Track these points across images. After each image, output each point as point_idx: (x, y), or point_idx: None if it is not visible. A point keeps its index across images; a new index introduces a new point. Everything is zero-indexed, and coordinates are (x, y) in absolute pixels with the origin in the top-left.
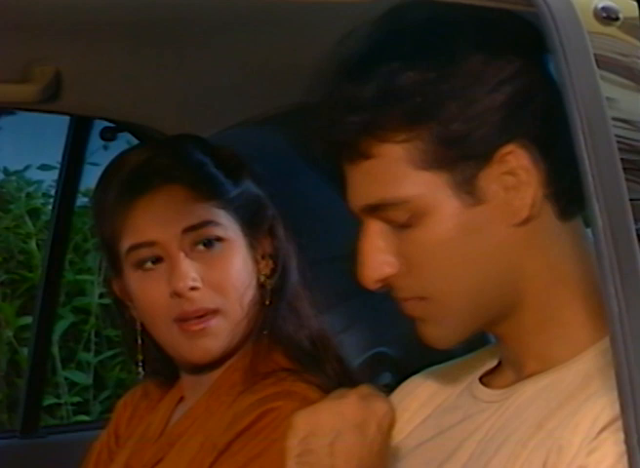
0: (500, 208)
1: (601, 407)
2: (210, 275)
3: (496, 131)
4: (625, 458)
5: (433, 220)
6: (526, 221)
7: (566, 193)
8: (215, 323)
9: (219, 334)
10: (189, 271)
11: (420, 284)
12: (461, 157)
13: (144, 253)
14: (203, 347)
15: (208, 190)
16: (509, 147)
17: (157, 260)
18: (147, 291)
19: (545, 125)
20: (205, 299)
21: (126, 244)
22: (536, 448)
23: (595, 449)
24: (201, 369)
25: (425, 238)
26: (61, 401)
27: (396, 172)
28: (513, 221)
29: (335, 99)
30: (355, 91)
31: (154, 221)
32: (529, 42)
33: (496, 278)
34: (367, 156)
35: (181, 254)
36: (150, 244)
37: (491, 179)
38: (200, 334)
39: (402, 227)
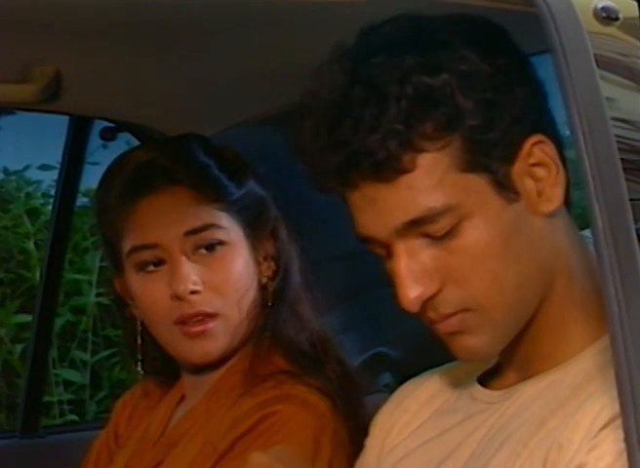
0: (534, 199)
1: (601, 405)
2: (211, 278)
3: (519, 123)
4: (625, 456)
5: (478, 223)
6: (555, 212)
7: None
8: (214, 325)
9: (218, 337)
10: (190, 274)
11: (467, 294)
12: (495, 153)
13: (146, 255)
14: (202, 349)
15: (211, 193)
16: (535, 138)
17: (159, 263)
18: (149, 292)
19: (548, 117)
20: (205, 303)
21: (128, 245)
22: (536, 448)
23: (595, 447)
24: (201, 369)
25: (471, 243)
26: (53, 399)
27: (439, 179)
28: (546, 211)
29: (353, 122)
30: (380, 106)
31: (156, 223)
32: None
33: (536, 273)
34: (408, 170)
35: (183, 258)
36: (152, 246)
37: (522, 172)
38: (199, 337)
39: (442, 239)
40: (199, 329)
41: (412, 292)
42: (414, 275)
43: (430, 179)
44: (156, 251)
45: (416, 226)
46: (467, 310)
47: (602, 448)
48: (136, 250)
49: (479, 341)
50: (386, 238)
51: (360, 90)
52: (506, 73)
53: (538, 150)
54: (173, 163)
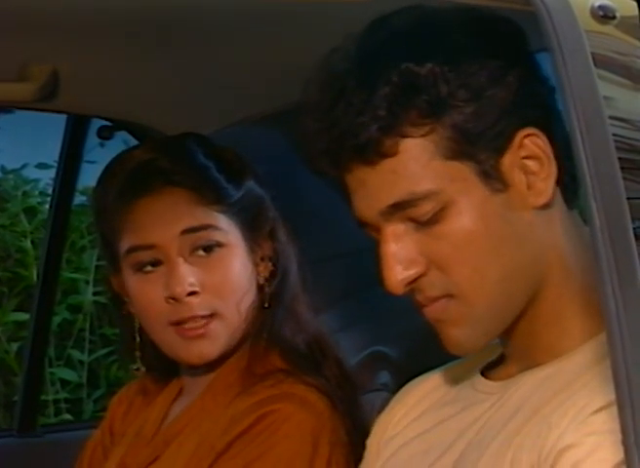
0: (523, 192)
1: (593, 394)
2: (208, 280)
3: (511, 115)
4: (613, 441)
5: (461, 211)
6: (547, 206)
7: (572, 181)
8: (212, 327)
9: (216, 338)
10: (187, 276)
11: (450, 279)
12: (483, 143)
13: (143, 255)
14: (199, 350)
15: (210, 195)
16: (527, 131)
17: (156, 263)
18: (145, 293)
19: (551, 112)
20: (202, 305)
21: (125, 244)
22: (528, 433)
23: (582, 431)
24: (199, 368)
25: (454, 230)
26: (49, 397)
27: (423, 165)
28: (536, 204)
29: (345, 105)
30: (368, 92)
31: (154, 224)
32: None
33: (523, 267)
34: (390, 154)
35: (180, 259)
36: (149, 247)
37: (512, 164)
38: (197, 338)
39: (426, 224)
40: (198, 332)
41: (395, 275)
42: (398, 258)
43: (413, 165)
44: (153, 251)
45: (399, 210)
46: (451, 297)
47: (591, 430)
48: (133, 250)
49: (462, 333)
50: (374, 221)
51: (356, 76)
52: (501, 65)
53: (529, 142)
54: (172, 164)
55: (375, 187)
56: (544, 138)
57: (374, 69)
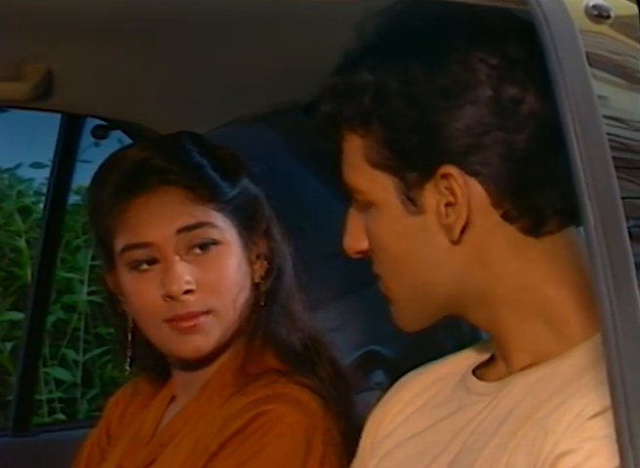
0: (438, 222)
1: (588, 399)
2: (204, 278)
3: (441, 148)
4: (610, 447)
5: (380, 216)
6: (462, 240)
7: (531, 211)
8: (206, 321)
9: (209, 332)
10: (183, 274)
11: (376, 265)
12: (407, 166)
13: (139, 254)
14: (193, 344)
15: (205, 193)
16: (449, 168)
17: (152, 262)
18: (141, 291)
19: (499, 153)
20: (198, 303)
21: (120, 243)
22: (523, 438)
23: (578, 437)
24: (192, 365)
25: (375, 229)
26: (43, 397)
27: (356, 162)
28: (450, 237)
29: (323, 87)
30: (332, 80)
31: (150, 222)
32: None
33: (443, 283)
34: (335, 139)
35: (176, 257)
36: (145, 245)
37: (432, 193)
38: (190, 331)
39: (363, 210)
40: (190, 324)
41: (348, 243)
42: (353, 228)
43: (351, 158)
44: (149, 250)
45: (350, 190)
46: (380, 278)
47: (587, 436)
48: (128, 248)
49: (395, 311)
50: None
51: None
52: (447, 97)
53: (451, 177)
54: (167, 163)
55: (343, 160)
56: (465, 176)
57: (346, 63)
